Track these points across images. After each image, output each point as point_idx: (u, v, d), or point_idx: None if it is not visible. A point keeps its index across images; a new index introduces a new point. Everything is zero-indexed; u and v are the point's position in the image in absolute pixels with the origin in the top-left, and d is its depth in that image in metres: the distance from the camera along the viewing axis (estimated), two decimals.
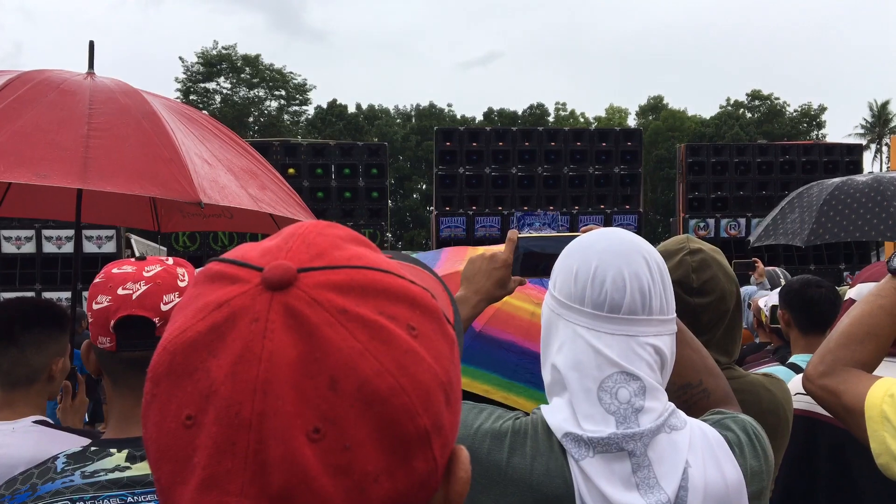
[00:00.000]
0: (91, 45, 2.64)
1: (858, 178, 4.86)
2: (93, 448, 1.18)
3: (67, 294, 9.92)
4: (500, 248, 1.54)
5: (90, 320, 1.26)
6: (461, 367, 1.69)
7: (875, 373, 1.96)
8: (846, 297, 2.18)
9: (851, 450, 1.89)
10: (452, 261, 2.02)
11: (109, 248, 10.32)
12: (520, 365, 1.70)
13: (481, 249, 1.75)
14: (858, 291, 2.13)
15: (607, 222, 11.72)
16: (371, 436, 0.46)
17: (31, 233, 10.15)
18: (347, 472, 0.45)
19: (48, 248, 10.20)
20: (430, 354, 0.50)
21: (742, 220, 12.34)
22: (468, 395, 1.24)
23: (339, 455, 0.45)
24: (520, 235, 1.51)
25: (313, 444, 0.44)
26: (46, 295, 9.85)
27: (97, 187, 2.01)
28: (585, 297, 1.11)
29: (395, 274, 0.52)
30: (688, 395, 1.33)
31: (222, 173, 2.30)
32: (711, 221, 12.30)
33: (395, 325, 0.48)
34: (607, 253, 1.13)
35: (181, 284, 1.27)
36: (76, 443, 1.47)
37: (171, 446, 0.47)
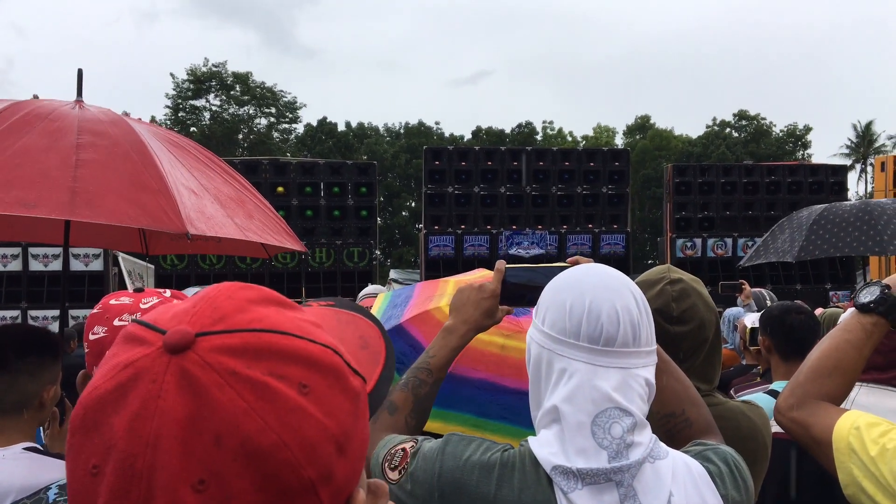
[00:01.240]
0: (80, 73, 2.65)
1: (846, 203, 5.07)
2: None
3: (53, 312, 9.85)
4: (487, 278, 1.57)
5: (86, 350, 1.28)
6: (434, 410, 1.70)
7: (858, 400, 2.01)
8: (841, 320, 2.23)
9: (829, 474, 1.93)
10: (423, 298, 2.00)
11: (97, 266, 10.25)
12: (492, 401, 1.70)
13: (452, 281, 1.76)
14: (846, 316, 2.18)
15: (595, 241, 11.77)
16: (253, 487, 0.50)
17: (17, 250, 10.07)
18: None
19: (34, 265, 10.13)
20: (321, 410, 0.54)
21: (729, 240, 12.43)
22: (440, 437, 1.27)
23: None
24: (507, 266, 1.54)
25: (197, 494, 0.49)
26: (32, 313, 9.79)
27: (85, 218, 2.03)
28: (581, 332, 1.13)
29: (295, 335, 0.56)
30: (670, 424, 1.37)
31: (209, 203, 2.32)
32: (698, 241, 12.38)
33: (283, 384, 0.53)
34: (599, 288, 1.16)
35: None
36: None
37: (80, 492, 0.53)
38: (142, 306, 1.28)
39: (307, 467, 0.51)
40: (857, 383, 2.10)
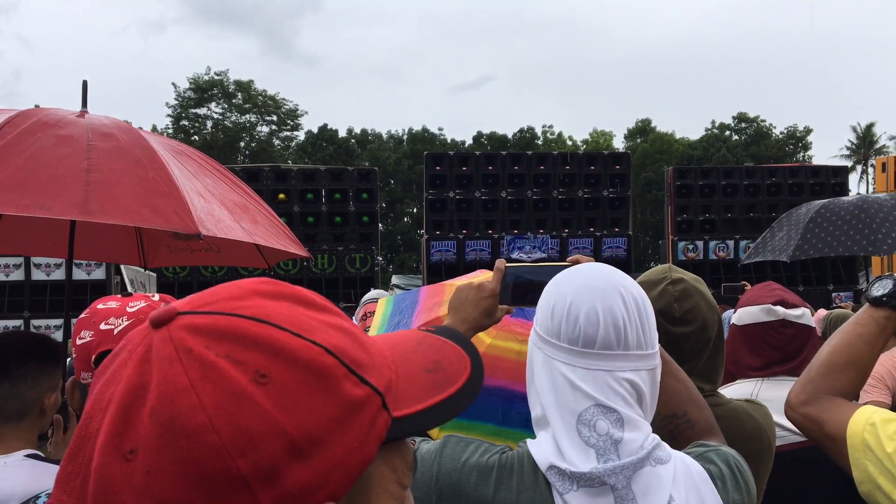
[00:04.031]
0: (84, 84, 2.67)
1: (845, 198, 5.00)
2: None
3: (56, 321, 9.85)
4: (487, 278, 1.56)
5: (74, 356, 1.28)
6: (454, 420, 1.69)
7: (761, 394, 2.00)
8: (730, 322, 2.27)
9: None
10: (431, 304, 1.94)
11: (98, 274, 10.24)
12: (511, 409, 1.68)
13: (458, 283, 1.74)
14: (739, 316, 2.19)
15: (597, 245, 11.76)
16: (173, 466, 0.49)
17: (19, 260, 10.07)
18: (145, 494, 0.49)
19: (37, 275, 10.13)
20: (277, 403, 0.51)
21: (730, 243, 12.42)
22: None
23: (140, 477, 0.49)
24: (507, 265, 1.53)
25: (126, 463, 0.50)
26: (35, 322, 9.79)
27: (99, 219, 2.04)
28: (561, 332, 1.12)
29: (279, 326, 0.54)
30: (672, 425, 1.36)
31: (217, 207, 2.34)
32: (700, 243, 12.37)
33: (236, 369, 0.51)
34: (583, 289, 1.14)
35: None
36: None
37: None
38: (128, 309, 1.28)
39: (237, 458, 0.49)
40: (757, 379, 2.11)
